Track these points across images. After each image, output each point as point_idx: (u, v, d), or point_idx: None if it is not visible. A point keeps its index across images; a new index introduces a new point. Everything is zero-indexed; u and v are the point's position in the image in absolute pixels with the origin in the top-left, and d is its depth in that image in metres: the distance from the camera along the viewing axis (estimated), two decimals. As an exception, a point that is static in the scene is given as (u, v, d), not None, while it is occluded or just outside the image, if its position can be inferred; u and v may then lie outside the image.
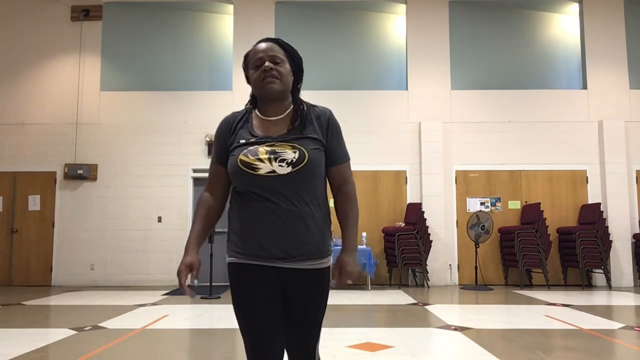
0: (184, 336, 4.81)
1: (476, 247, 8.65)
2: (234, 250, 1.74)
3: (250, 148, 1.71)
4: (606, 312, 6.13)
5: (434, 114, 9.43)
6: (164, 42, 9.77)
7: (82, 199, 9.26)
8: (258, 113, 1.81)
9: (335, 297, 7.43)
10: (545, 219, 8.81)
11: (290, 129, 1.75)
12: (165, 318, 5.73)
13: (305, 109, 1.81)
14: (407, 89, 9.52)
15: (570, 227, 8.80)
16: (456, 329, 5.07)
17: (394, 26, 9.91)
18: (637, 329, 5.06)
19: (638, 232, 9.03)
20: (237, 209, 1.74)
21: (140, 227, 9.21)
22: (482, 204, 9.29)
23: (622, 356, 3.99)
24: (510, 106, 9.46)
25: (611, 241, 8.72)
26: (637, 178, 9.24)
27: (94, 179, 9.30)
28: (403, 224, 8.96)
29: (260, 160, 1.68)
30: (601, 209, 8.80)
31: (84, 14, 9.59)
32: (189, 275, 1.71)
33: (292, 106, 1.82)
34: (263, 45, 1.78)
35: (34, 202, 9.28)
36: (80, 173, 9.07)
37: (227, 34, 9.83)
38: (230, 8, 9.79)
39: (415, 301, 7.05)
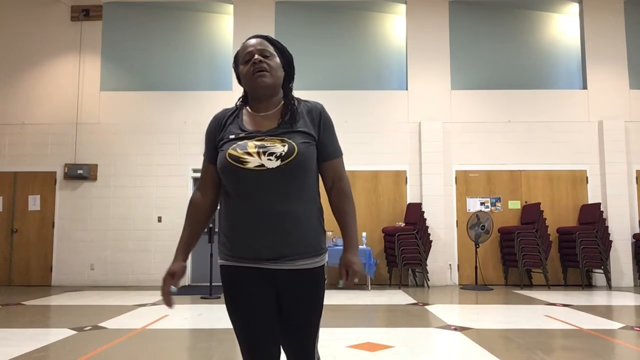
0: (184, 336, 4.81)
1: (476, 247, 8.65)
2: (224, 252, 1.71)
3: (240, 142, 1.67)
4: (606, 312, 6.13)
5: (434, 114, 9.43)
6: (164, 42, 9.77)
7: (82, 199, 9.27)
8: (249, 109, 1.79)
9: (335, 297, 7.42)
10: (545, 219, 8.81)
11: (280, 123, 1.71)
12: (165, 318, 5.73)
13: (296, 103, 1.78)
14: (407, 89, 9.52)
15: (570, 227, 8.80)
16: (456, 329, 5.07)
17: (394, 26, 9.91)
18: (637, 329, 5.06)
19: (638, 232, 9.03)
20: (226, 209, 1.70)
21: (140, 227, 9.21)
22: (482, 204, 9.29)
23: (622, 356, 3.99)
24: (510, 106, 9.47)
25: (611, 241, 8.72)
26: (637, 178, 9.24)
27: (94, 179, 9.30)
28: (403, 224, 8.96)
29: (249, 154, 1.63)
30: (601, 209, 8.80)
31: (84, 14, 9.59)
32: (171, 283, 1.70)
33: (282, 102, 1.78)
34: (252, 40, 1.76)
35: (34, 202, 9.28)
36: (80, 173, 9.07)
37: (227, 34, 9.84)
38: (230, 8, 9.79)
39: (415, 301, 7.05)
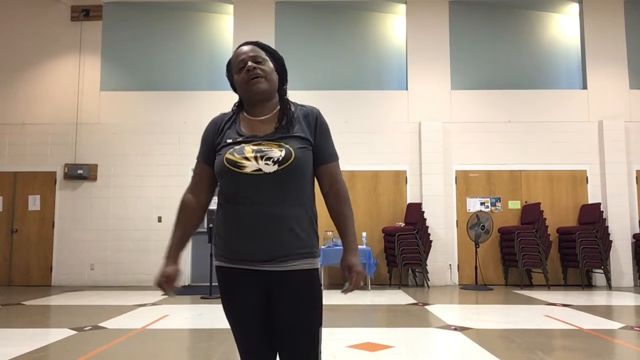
0: (184, 336, 4.81)
1: (476, 247, 8.65)
2: (219, 254, 1.72)
3: (237, 147, 1.68)
4: (606, 312, 6.13)
5: (434, 114, 9.43)
6: (164, 42, 9.77)
7: (82, 199, 9.27)
8: (245, 114, 1.80)
9: (335, 297, 7.42)
10: (545, 219, 8.81)
11: (277, 128, 1.72)
12: (165, 318, 5.73)
13: (292, 108, 1.79)
14: (407, 89, 9.52)
15: (570, 227, 8.80)
16: (456, 329, 5.07)
17: (394, 26, 9.91)
18: (637, 329, 5.06)
19: (638, 232, 9.03)
20: (222, 212, 1.71)
21: (140, 227, 9.21)
22: (482, 204, 9.29)
23: (622, 356, 3.99)
24: (510, 106, 9.47)
25: (611, 241, 8.72)
26: (637, 178, 9.24)
27: (94, 179, 9.30)
28: (403, 224, 8.96)
29: (247, 158, 1.65)
30: (601, 209, 8.80)
31: (84, 14, 9.59)
32: (168, 287, 1.73)
33: (279, 106, 1.79)
34: (244, 48, 1.77)
35: (34, 202, 9.28)
36: (80, 173, 9.07)
37: (227, 34, 9.83)
38: (230, 8, 9.79)
39: (415, 301, 7.05)
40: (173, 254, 1.77)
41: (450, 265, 9.15)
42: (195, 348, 4.33)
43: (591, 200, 9.23)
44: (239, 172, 1.64)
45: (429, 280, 8.80)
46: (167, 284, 1.72)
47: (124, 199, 9.26)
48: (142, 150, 9.37)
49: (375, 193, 9.31)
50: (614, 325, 5.25)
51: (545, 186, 9.30)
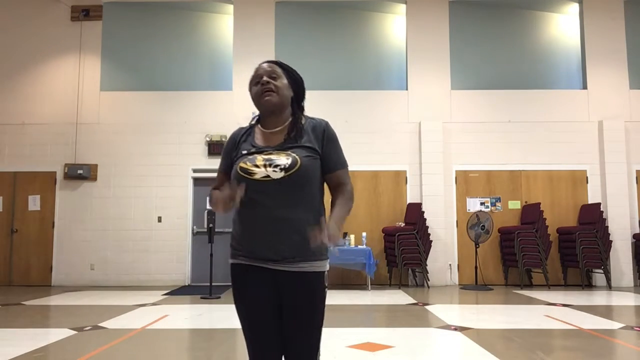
0: (184, 336, 4.81)
1: (476, 247, 8.65)
2: (236, 253, 1.86)
3: (250, 157, 1.85)
4: (606, 312, 6.13)
5: (434, 114, 9.43)
6: (164, 42, 9.77)
7: (82, 199, 9.26)
8: (260, 126, 1.96)
9: (335, 297, 7.43)
10: (545, 219, 8.81)
11: (286, 139, 1.88)
12: (165, 318, 5.73)
13: (303, 120, 1.94)
14: (407, 89, 9.52)
15: (570, 227, 8.80)
16: (456, 329, 5.07)
17: (394, 26, 9.91)
18: (637, 329, 5.06)
19: (638, 232, 9.03)
20: (238, 215, 1.85)
21: (140, 227, 9.21)
22: (482, 204, 9.29)
23: (622, 356, 3.99)
24: (510, 106, 9.47)
25: (611, 241, 8.72)
26: (637, 178, 9.24)
27: (94, 179, 9.30)
28: (403, 224, 8.96)
29: (257, 166, 1.80)
30: (601, 209, 8.80)
31: (84, 14, 9.59)
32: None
33: (290, 119, 1.94)
34: (263, 65, 1.95)
35: (34, 202, 9.28)
36: (80, 173, 9.07)
37: (227, 34, 9.83)
38: (230, 8, 9.79)
39: (415, 301, 7.05)
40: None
41: (450, 265, 9.15)
42: (195, 348, 4.33)
43: (591, 200, 9.23)
44: (249, 178, 1.79)
45: (429, 280, 8.80)
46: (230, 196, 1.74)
47: (124, 199, 9.26)
48: (142, 150, 9.37)
49: (375, 193, 9.31)
50: (614, 325, 5.25)
51: (545, 186, 9.30)
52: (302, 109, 1.99)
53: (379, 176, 9.33)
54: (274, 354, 1.80)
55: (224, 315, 5.90)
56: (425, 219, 8.81)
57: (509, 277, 9.13)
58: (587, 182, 9.29)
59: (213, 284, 8.24)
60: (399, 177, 9.33)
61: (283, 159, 1.80)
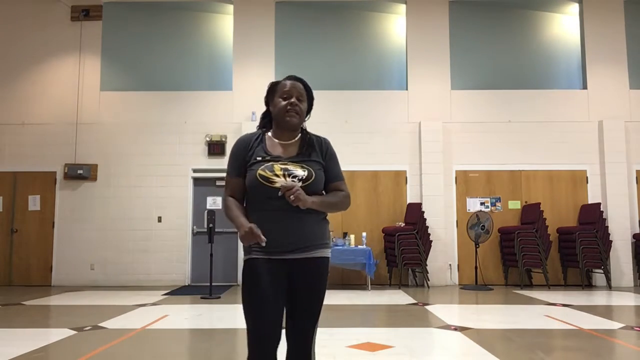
0: (184, 336, 4.81)
1: (476, 247, 8.65)
2: (254, 249, 2.08)
3: (267, 165, 2.09)
4: (606, 312, 6.13)
5: (434, 114, 9.43)
6: (164, 42, 9.77)
7: (82, 199, 9.27)
8: (271, 135, 2.21)
9: (335, 297, 7.43)
10: (545, 219, 8.81)
11: (299, 153, 2.16)
12: (165, 318, 5.73)
13: (309, 136, 2.22)
14: (407, 89, 9.52)
15: (570, 227, 8.80)
16: (456, 329, 5.07)
17: (394, 26, 9.91)
18: (637, 329, 5.06)
19: (638, 232, 9.03)
20: (257, 216, 2.09)
21: (140, 227, 9.21)
22: (482, 204, 9.29)
23: (622, 356, 3.99)
24: (510, 106, 9.47)
25: (611, 241, 8.72)
26: (637, 178, 9.24)
27: (94, 179, 9.30)
28: (403, 224, 8.96)
29: (276, 175, 2.07)
30: (601, 209, 8.80)
31: (84, 14, 9.59)
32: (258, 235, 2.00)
33: (299, 134, 2.22)
34: (294, 82, 2.19)
35: (34, 202, 9.28)
36: (80, 173, 9.07)
37: (227, 34, 9.83)
38: (230, 8, 9.79)
39: (415, 301, 7.05)
40: (245, 217, 2.12)
41: (450, 265, 9.15)
42: (195, 348, 4.33)
43: (591, 200, 9.23)
44: (270, 186, 2.05)
45: (429, 280, 8.80)
46: (257, 234, 1.98)
47: (124, 199, 9.27)
48: (142, 150, 9.38)
49: (375, 193, 9.31)
50: (614, 325, 5.25)
51: (545, 186, 9.30)
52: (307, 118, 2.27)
53: (379, 176, 9.33)
54: (276, 333, 2.01)
55: (224, 315, 5.90)
56: (425, 219, 8.81)
57: (509, 277, 9.13)
58: (587, 182, 9.29)
59: (213, 284, 8.25)
60: (399, 177, 9.33)
61: (300, 171, 2.09)
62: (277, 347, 2.01)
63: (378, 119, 9.42)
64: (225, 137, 9.31)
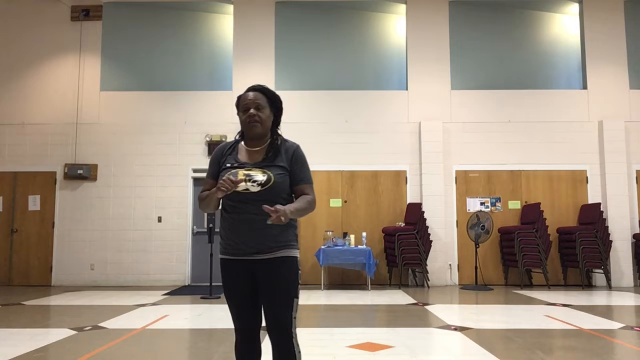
0: (184, 336, 4.81)
1: (476, 247, 8.65)
2: (222, 250, 2.30)
3: (233, 171, 2.25)
4: (606, 312, 6.13)
5: (434, 114, 9.43)
6: (164, 42, 9.77)
7: (82, 199, 9.27)
8: (243, 143, 2.36)
9: (335, 297, 7.43)
10: (545, 219, 8.81)
11: (264, 158, 2.29)
12: (165, 318, 5.73)
13: (279, 143, 2.33)
14: (407, 89, 9.53)
15: (570, 227, 8.80)
16: (456, 329, 5.07)
17: (394, 26, 9.91)
18: (637, 329, 5.06)
19: (638, 232, 9.03)
20: (223, 218, 2.29)
21: (140, 227, 9.21)
22: (482, 204, 9.29)
23: (622, 356, 3.99)
24: (510, 106, 9.47)
25: (611, 241, 8.72)
26: (637, 178, 9.25)
27: (94, 179, 9.30)
28: (403, 224, 8.96)
29: (241, 180, 2.20)
30: (601, 209, 8.80)
31: (84, 14, 9.59)
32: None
33: (269, 140, 2.34)
34: (251, 94, 2.29)
35: (34, 202, 9.28)
36: (80, 173, 9.07)
37: (227, 34, 9.83)
38: (230, 8, 9.79)
39: (415, 301, 7.05)
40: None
41: (450, 265, 9.15)
42: (195, 348, 4.33)
43: (591, 200, 9.23)
44: (234, 190, 2.18)
45: (429, 280, 8.80)
46: (227, 180, 2.11)
47: (124, 199, 9.27)
48: (142, 150, 9.38)
49: (375, 193, 9.31)
50: (614, 325, 5.25)
51: (545, 186, 9.30)
52: (278, 125, 2.38)
53: (379, 176, 9.33)
54: (253, 321, 2.27)
55: (224, 315, 5.90)
56: (425, 219, 8.81)
57: (509, 277, 9.13)
58: (587, 182, 9.29)
59: (213, 283, 8.25)
60: (399, 177, 9.33)
61: (260, 176, 2.21)
62: (257, 331, 2.28)
63: (378, 118, 9.42)
64: (225, 137, 9.32)
